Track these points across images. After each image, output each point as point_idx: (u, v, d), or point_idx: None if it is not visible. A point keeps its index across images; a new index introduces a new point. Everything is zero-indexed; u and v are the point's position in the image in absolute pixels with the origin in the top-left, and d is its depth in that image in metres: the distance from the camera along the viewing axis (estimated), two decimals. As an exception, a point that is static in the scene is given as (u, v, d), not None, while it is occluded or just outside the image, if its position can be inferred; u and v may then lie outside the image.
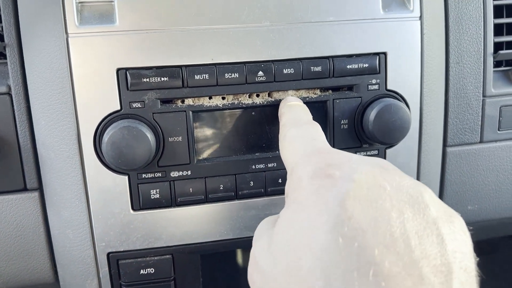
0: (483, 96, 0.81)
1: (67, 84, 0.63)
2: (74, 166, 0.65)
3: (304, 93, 0.69)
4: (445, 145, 0.81)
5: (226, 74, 0.65)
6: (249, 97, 0.68)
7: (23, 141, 0.66)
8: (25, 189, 0.68)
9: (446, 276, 0.36)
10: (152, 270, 0.70)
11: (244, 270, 0.78)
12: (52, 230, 0.69)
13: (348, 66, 0.69)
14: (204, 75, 0.65)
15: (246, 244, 0.73)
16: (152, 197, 0.67)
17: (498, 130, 0.83)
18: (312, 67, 0.67)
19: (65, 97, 0.63)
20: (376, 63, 0.69)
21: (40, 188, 0.69)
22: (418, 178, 0.78)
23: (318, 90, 0.70)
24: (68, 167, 0.65)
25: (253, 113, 0.68)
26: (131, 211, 0.67)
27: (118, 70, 0.63)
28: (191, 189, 0.68)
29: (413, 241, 0.36)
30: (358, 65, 0.69)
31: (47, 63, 0.63)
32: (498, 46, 0.81)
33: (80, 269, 0.70)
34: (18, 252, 0.71)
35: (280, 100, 0.68)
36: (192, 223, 0.70)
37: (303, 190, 0.43)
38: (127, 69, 0.63)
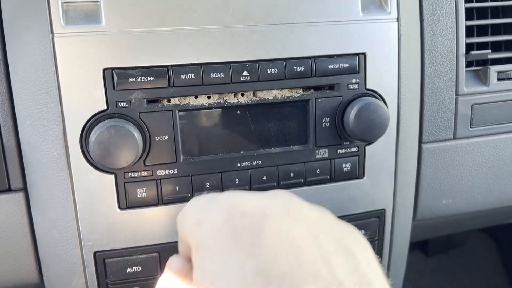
0: (456, 94, 0.84)
1: (53, 84, 0.63)
2: (60, 166, 0.65)
3: (287, 92, 0.71)
4: (420, 142, 0.85)
5: (211, 74, 0.66)
6: (234, 96, 0.69)
7: (7, 141, 0.66)
8: (9, 189, 0.68)
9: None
10: (138, 268, 0.71)
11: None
12: (37, 230, 0.69)
13: (329, 66, 0.71)
14: (190, 74, 0.66)
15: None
16: (138, 196, 0.68)
17: (470, 127, 0.87)
18: (295, 67, 0.69)
19: (51, 97, 0.63)
20: (356, 63, 0.72)
21: (24, 189, 0.68)
22: (395, 174, 0.81)
23: (301, 89, 0.72)
24: (54, 167, 0.65)
25: (238, 112, 0.70)
26: (118, 210, 0.68)
27: (104, 70, 0.63)
28: (177, 187, 0.69)
29: (330, 263, 0.38)
30: (339, 65, 0.71)
31: (32, 62, 0.63)
32: (469, 47, 0.85)
33: (66, 268, 0.70)
34: (1, 253, 0.70)
35: (265, 99, 0.69)
36: (179, 220, 0.71)
37: (216, 236, 0.42)
38: (113, 69, 0.64)
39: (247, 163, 0.71)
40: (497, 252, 1.84)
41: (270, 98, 0.70)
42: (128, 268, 0.70)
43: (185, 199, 0.70)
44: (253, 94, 0.70)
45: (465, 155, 0.88)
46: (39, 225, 0.69)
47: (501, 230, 1.77)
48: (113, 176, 0.67)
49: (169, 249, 0.72)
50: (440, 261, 1.78)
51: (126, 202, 0.68)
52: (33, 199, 0.68)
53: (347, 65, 0.72)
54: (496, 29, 0.89)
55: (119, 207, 0.68)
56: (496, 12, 0.88)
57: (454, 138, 0.86)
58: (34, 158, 0.66)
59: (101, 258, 0.70)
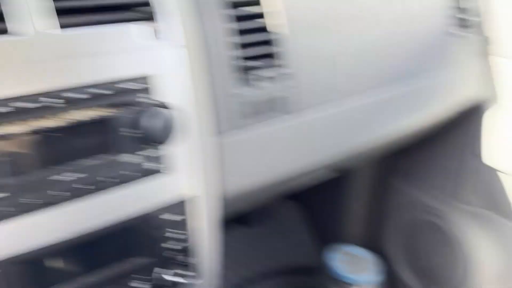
0: (231, 96, 1.10)
1: None
2: None
3: (95, 112, 0.85)
4: (214, 135, 1.07)
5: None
6: (49, 119, 0.80)
7: None
8: None
9: None
10: None
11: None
12: None
13: (127, 87, 0.87)
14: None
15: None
16: None
17: (244, 119, 1.13)
18: (99, 91, 0.84)
19: None
20: (150, 82, 0.90)
21: None
22: (202, 164, 1.02)
23: (106, 107, 0.86)
24: None
25: (54, 132, 0.81)
26: None
27: None
28: None
29: None
30: (136, 86, 0.88)
31: None
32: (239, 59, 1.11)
33: None
34: None
35: (77, 120, 0.83)
36: None
37: None
38: None
39: (68, 174, 0.84)
40: (304, 216, 2.24)
41: (81, 118, 0.83)
42: None
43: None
44: (66, 116, 0.82)
45: (251, 141, 1.15)
46: None
47: (304, 196, 2.17)
48: None
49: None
50: (260, 232, 2.10)
51: None
52: None
53: (143, 85, 0.89)
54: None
55: None
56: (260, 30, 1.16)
57: (236, 128, 1.12)
58: None
59: None
